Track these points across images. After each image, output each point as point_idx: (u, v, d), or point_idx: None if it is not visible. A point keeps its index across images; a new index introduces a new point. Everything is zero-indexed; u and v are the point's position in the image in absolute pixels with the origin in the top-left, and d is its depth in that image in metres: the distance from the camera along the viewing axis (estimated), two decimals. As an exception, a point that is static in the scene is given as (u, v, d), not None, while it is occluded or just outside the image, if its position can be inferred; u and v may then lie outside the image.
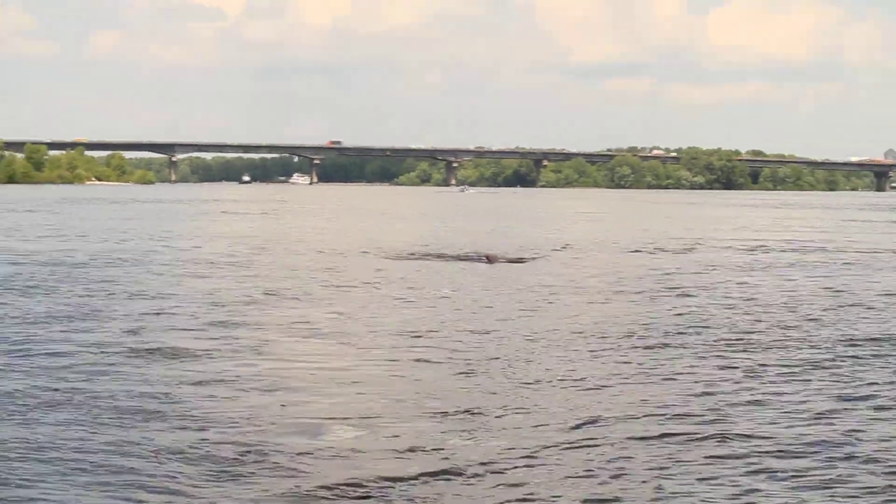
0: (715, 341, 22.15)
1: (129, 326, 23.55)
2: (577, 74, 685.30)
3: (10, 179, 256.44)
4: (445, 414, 15.43)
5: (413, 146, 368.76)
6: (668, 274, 37.92)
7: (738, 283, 34.80)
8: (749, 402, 16.23)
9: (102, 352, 20.20)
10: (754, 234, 66.70)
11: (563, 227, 75.82)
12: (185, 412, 15.25)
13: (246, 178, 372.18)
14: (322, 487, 11.88)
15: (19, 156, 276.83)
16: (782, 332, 23.52)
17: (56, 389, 16.71)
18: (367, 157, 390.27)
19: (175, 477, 12.16)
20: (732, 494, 11.80)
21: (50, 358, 19.45)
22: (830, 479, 12.36)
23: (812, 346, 21.55)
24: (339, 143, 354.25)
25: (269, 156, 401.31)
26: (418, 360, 19.90)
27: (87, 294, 29.78)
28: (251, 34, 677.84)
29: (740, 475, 12.49)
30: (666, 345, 21.71)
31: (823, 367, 19.16)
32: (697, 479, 12.29)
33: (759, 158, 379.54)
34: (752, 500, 11.63)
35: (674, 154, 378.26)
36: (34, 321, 24.32)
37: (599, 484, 12.14)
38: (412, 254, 45.08)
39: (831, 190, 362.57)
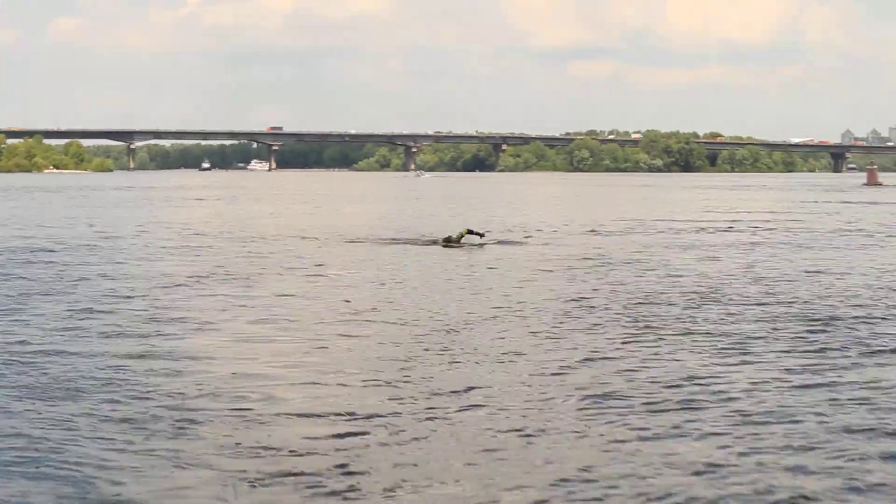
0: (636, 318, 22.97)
1: (78, 307, 24.28)
2: (538, 59, 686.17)
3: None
4: (389, 383, 16.18)
5: (372, 132, 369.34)
6: (612, 255, 38.72)
7: (691, 262, 35.71)
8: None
9: (52, 330, 20.93)
10: (705, 216, 67.89)
11: (515, 212, 76.33)
12: (128, 385, 15.94)
13: (206, 164, 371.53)
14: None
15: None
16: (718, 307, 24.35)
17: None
18: (326, 143, 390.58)
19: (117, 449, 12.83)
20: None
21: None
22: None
23: (747, 321, 22.34)
24: (279, 128, 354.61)
25: (227, 142, 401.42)
26: (360, 337, 20.67)
27: (43, 278, 30.42)
28: (211, 19, 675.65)
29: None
30: (605, 320, 22.50)
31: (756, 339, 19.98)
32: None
33: (716, 141, 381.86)
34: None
35: (633, 137, 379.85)
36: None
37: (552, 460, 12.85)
38: (361, 238, 45.76)
39: (789, 171, 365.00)
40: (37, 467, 11.94)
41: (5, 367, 17.50)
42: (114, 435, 13.31)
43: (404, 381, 16.53)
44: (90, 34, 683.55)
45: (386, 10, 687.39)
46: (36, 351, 18.79)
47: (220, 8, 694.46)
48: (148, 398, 15.29)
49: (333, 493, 11.18)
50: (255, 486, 11.43)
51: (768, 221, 61.23)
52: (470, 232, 41.59)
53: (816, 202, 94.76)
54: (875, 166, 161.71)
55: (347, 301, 25.98)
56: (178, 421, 14.03)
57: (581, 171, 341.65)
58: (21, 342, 19.65)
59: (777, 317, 22.97)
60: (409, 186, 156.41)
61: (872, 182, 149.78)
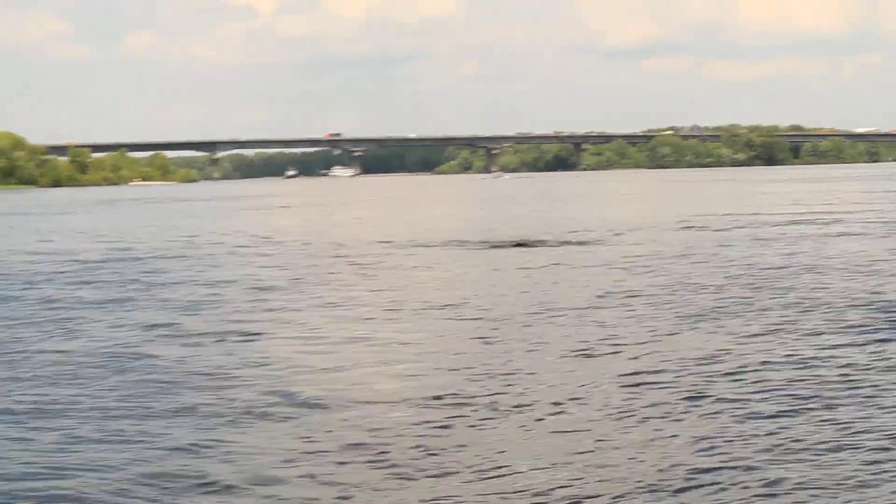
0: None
1: (185, 308, 25.32)
2: (613, 57, 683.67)
3: (56, 183, 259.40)
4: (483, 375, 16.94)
5: (452, 135, 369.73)
6: (699, 249, 39.15)
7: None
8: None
9: (155, 332, 21.95)
10: (801, 208, 67.73)
11: (603, 210, 76.59)
12: (231, 377, 16.84)
13: (291, 172, 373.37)
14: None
15: (63, 159, 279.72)
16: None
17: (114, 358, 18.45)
18: (408, 148, 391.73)
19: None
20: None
21: (109, 333, 21.17)
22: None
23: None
24: (338, 135, 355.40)
25: (310, 150, 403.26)
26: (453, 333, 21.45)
27: (149, 284, 31.73)
28: (284, 29, 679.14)
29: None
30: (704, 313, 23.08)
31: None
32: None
33: (799, 133, 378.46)
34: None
35: (714, 132, 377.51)
36: (98, 305, 26.24)
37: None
38: (444, 241, 46.30)
39: (874, 161, 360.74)
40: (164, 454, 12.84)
41: (113, 362, 18.67)
42: (222, 423, 14.26)
43: (489, 370, 17.34)
44: (164, 47, 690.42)
45: (456, 12, 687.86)
46: (139, 351, 19.86)
47: (293, 17, 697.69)
48: (253, 387, 16.40)
49: (421, 473, 11.97)
50: (347, 466, 12.29)
51: (851, 212, 61.00)
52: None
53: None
54: None
55: (433, 298, 26.73)
56: (281, 407, 15.08)
57: (663, 167, 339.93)
58: (124, 343, 20.72)
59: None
60: (489, 188, 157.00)
61: None
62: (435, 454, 12.66)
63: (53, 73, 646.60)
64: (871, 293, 25.45)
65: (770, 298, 25.07)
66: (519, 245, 42.20)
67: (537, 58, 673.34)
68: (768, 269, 31.73)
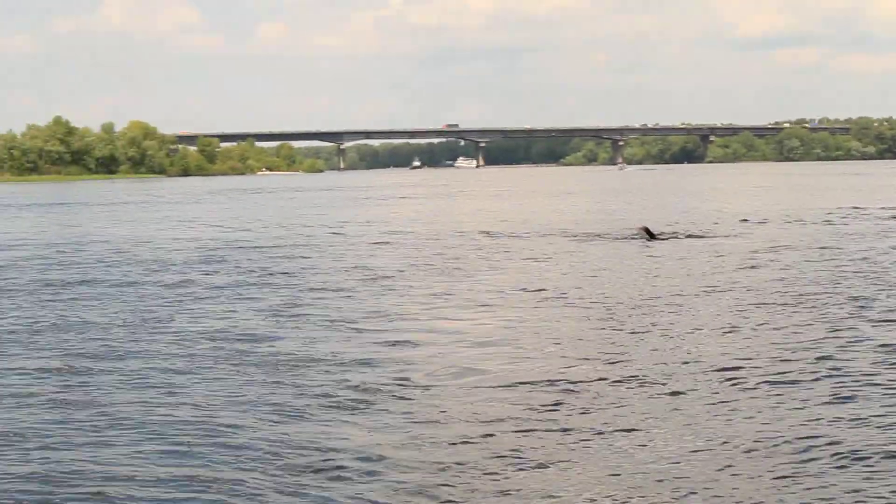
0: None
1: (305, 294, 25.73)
2: (743, 47, 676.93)
3: (185, 172, 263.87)
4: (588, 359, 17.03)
5: (578, 126, 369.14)
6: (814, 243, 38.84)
7: None
8: None
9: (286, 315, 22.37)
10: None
11: (729, 203, 76.07)
12: (350, 362, 17.09)
13: (416, 163, 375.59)
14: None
15: (192, 149, 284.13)
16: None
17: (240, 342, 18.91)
18: (533, 139, 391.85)
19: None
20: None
21: (230, 316, 21.64)
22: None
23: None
24: (455, 126, 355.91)
25: (435, 140, 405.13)
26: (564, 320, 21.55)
27: (271, 272, 32.39)
28: (413, 20, 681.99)
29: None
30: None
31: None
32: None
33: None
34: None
35: (844, 125, 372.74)
36: (223, 289, 26.83)
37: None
38: (560, 232, 46.33)
39: None
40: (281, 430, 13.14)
41: (237, 344, 19.26)
42: (333, 405, 14.63)
43: (599, 357, 17.45)
44: (294, 38, 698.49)
45: (585, 3, 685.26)
46: (257, 334, 20.34)
47: (424, 7, 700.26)
48: (374, 369, 16.93)
49: (527, 458, 12.08)
50: (454, 449, 12.46)
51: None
52: (647, 231, 41.82)
53: None
54: None
55: (547, 288, 26.86)
56: (399, 389, 15.51)
57: (791, 160, 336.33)
58: (242, 328, 21.23)
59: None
60: (613, 180, 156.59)
61: None
62: (541, 439, 12.77)
63: (185, 64, 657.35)
64: None
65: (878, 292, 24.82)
66: (643, 236, 41.74)
67: (666, 49, 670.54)
68: (881, 263, 31.39)
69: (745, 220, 51.17)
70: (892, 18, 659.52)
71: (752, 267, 31.04)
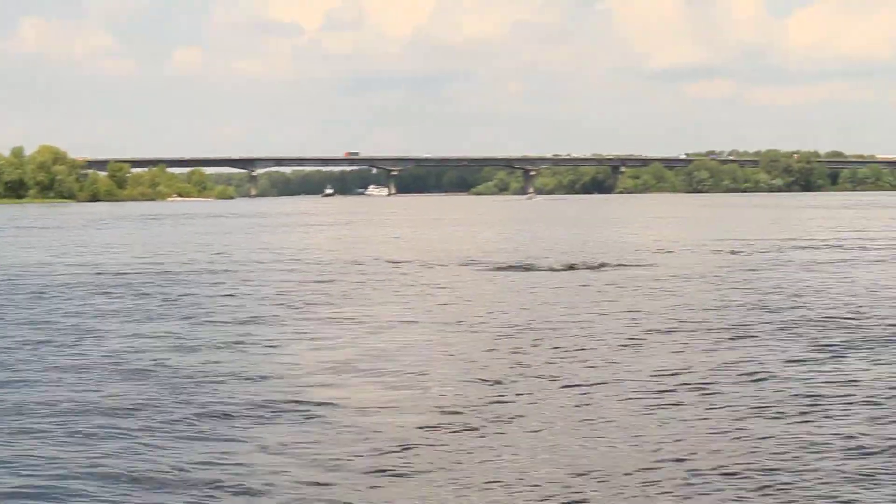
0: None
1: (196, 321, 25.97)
2: (655, 79, 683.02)
3: (94, 197, 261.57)
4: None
5: (490, 155, 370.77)
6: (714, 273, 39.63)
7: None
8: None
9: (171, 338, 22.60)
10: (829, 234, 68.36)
11: (625, 234, 77.08)
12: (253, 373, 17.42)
13: (329, 190, 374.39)
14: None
15: (102, 174, 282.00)
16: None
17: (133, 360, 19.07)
18: (445, 167, 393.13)
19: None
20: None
21: (127, 341, 21.83)
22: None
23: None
24: (356, 154, 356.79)
25: (347, 168, 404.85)
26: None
27: (173, 297, 32.49)
28: (329, 47, 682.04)
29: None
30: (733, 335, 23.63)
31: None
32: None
33: (838, 160, 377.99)
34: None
35: (753, 157, 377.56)
36: (121, 315, 26.95)
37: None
38: (457, 261, 46.82)
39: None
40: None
41: (124, 367, 19.34)
42: (227, 425, 15.08)
43: (494, 383, 18.02)
44: (210, 64, 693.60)
45: (502, 33, 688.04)
46: (155, 357, 20.58)
47: (338, 35, 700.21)
48: (262, 392, 17.37)
49: (417, 475, 12.55)
50: (344, 469, 12.94)
51: (865, 239, 61.54)
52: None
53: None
54: None
55: (442, 315, 27.40)
56: (287, 412, 15.97)
57: (701, 192, 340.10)
58: (140, 350, 21.45)
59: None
60: (519, 209, 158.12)
61: None
62: (430, 460, 13.32)
63: (98, 88, 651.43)
64: (861, 314, 26.13)
65: (765, 319, 25.70)
66: (527, 269, 42.08)
67: (579, 80, 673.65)
68: (772, 292, 32.40)
69: (644, 251, 52.01)
70: (802, 53, 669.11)
71: (648, 296, 31.87)
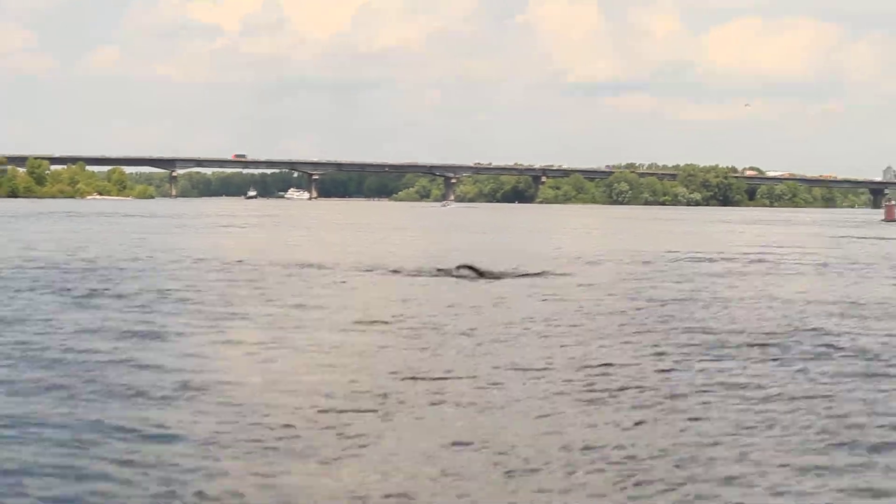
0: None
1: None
2: (575, 92, 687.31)
3: (12, 193, 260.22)
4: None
5: (411, 162, 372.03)
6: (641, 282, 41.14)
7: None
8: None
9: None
10: (737, 247, 70.38)
11: (533, 244, 78.43)
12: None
13: (252, 192, 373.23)
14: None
15: (21, 170, 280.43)
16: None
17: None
18: (366, 173, 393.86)
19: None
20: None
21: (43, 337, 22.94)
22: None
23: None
24: (243, 156, 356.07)
25: (268, 171, 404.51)
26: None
27: (88, 292, 33.55)
28: (249, 50, 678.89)
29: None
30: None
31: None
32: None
33: (756, 175, 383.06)
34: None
35: (672, 171, 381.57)
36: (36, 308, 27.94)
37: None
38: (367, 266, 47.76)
39: (828, 207, 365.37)
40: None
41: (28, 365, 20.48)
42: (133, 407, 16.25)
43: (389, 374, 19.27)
44: (129, 64, 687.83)
45: (424, 42, 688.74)
46: (68, 346, 21.69)
47: (258, 39, 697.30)
48: (167, 378, 18.56)
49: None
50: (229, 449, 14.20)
51: (770, 253, 63.49)
52: (468, 267, 41.96)
53: (828, 237, 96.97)
54: (893, 202, 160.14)
55: (346, 317, 28.66)
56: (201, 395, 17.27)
57: (620, 203, 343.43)
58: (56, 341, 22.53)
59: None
60: (432, 216, 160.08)
61: (890, 218, 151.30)
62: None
63: (17, 85, 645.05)
64: (755, 324, 27.76)
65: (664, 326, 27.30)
66: (468, 275, 41.83)
67: (501, 91, 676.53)
68: (675, 300, 33.95)
69: (558, 259, 53.17)
70: (722, 70, 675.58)
71: (561, 300, 33.52)
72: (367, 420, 15.95)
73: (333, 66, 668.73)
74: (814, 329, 26.86)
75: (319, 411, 16.39)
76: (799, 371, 20.64)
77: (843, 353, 22.99)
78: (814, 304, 33.37)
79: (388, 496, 12.28)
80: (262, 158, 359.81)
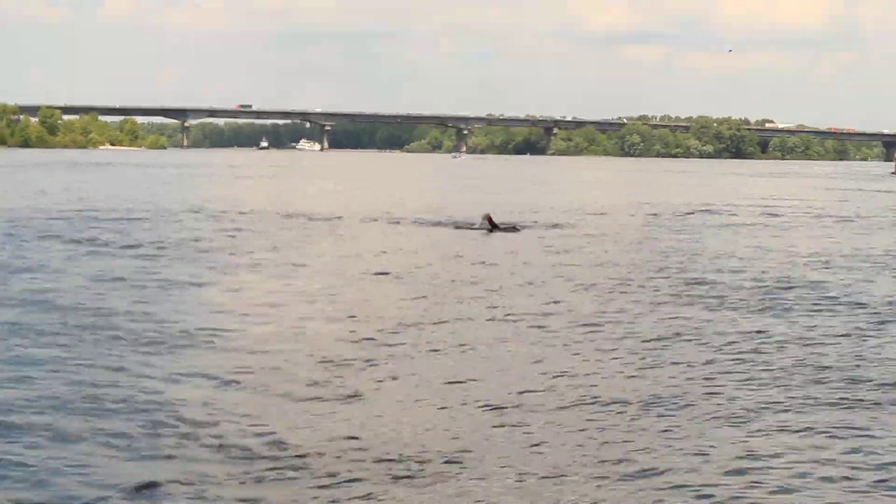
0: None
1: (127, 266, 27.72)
2: (589, 42, 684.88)
3: (25, 143, 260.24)
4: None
5: (423, 113, 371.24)
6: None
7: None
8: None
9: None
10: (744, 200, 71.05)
11: (541, 197, 78.91)
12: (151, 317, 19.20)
13: (264, 143, 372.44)
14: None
15: (34, 120, 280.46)
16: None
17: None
18: (378, 124, 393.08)
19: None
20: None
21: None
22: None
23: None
24: (248, 106, 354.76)
25: (280, 122, 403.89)
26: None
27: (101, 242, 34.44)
28: (261, 1, 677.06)
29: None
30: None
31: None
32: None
33: (768, 128, 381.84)
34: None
35: (684, 123, 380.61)
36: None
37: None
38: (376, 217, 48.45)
39: (841, 160, 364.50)
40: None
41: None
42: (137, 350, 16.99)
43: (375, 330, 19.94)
44: (142, 14, 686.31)
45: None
46: (88, 295, 22.36)
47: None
48: (177, 324, 19.56)
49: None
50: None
51: (783, 207, 63.91)
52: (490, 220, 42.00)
53: (837, 189, 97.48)
54: None
55: (345, 266, 29.33)
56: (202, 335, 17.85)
57: (632, 156, 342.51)
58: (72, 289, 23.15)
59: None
60: (442, 169, 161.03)
61: None
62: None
63: (29, 34, 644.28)
64: (759, 278, 28.25)
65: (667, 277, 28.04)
66: (486, 226, 42.26)
67: (514, 40, 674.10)
68: (677, 251, 34.99)
69: (557, 215, 53.58)
70: (735, 20, 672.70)
71: (566, 252, 34.47)
72: (365, 367, 16.56)
73: (347, 15, 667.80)
74: (810, 281, 27.50)
75: (320, 361, 16.98)
76: (789, 321, 21.28)
77: (837, 303, 23.65)
78: (811, 256, 34.12)
79: (383, 441, 12.81)
80: (275, 109, 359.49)
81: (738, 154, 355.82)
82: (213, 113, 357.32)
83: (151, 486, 11.11)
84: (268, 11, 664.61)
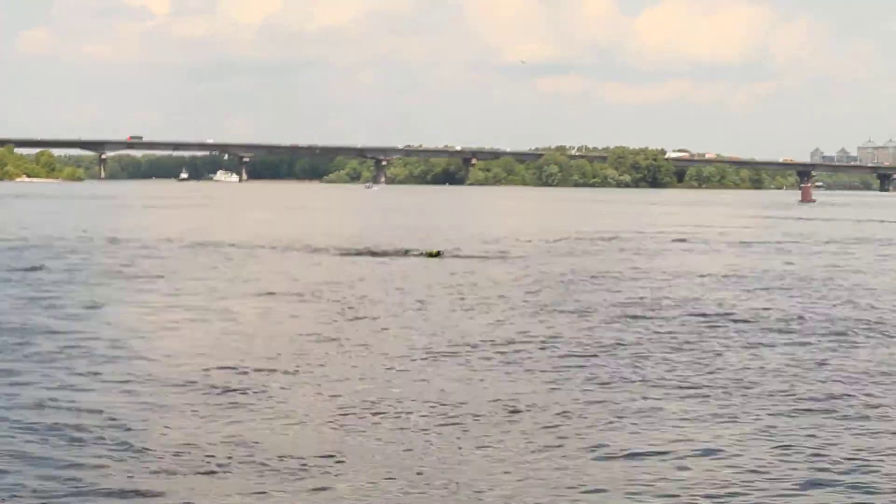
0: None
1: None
2: (508, 74, 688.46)
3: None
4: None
5: (342, 144, 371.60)
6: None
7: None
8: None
9: None
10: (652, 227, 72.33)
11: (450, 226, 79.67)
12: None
13: (184, 174, 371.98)
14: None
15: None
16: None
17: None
18: (297, 155, 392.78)
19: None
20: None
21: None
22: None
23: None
24: (139, 138, 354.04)
25: (198, 153, 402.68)
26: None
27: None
28: (180, 32, 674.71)
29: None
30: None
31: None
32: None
33: (684, 158, 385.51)
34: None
35: (602, 153, 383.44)
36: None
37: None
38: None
39: (756, 189, 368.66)
40: None
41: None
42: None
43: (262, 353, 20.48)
44: (60, 45, 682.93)
45: (355, 23, 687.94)
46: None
47: (189, 20, 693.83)
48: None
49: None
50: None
51: (690, 233, 65.44)
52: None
53: (747, 216, 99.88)
54: (810, 184, 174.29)
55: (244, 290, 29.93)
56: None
57: (550, 185, 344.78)
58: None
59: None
60: (351, 199, 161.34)
61: (806, 199, 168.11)
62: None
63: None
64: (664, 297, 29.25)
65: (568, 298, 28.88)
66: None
67: (433, 71, 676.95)
68: (593, 276, 36.08)
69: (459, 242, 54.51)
70: (652, 52, 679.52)
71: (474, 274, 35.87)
72: (264, 379, 17.25)
73: (266, 47, 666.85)
74: (709, 299, 28.66)
75: (220, 368, 17.74)
76: (691, 332, 22.48)
77: (733, 318, 24.98)
78: (705, 277, 35.56)
79: (280, 452, 13.36)
80: (194, 140, 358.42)
81: (655, 183, 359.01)
82: (130, 145, 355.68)
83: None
84: (186, 44, 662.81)
